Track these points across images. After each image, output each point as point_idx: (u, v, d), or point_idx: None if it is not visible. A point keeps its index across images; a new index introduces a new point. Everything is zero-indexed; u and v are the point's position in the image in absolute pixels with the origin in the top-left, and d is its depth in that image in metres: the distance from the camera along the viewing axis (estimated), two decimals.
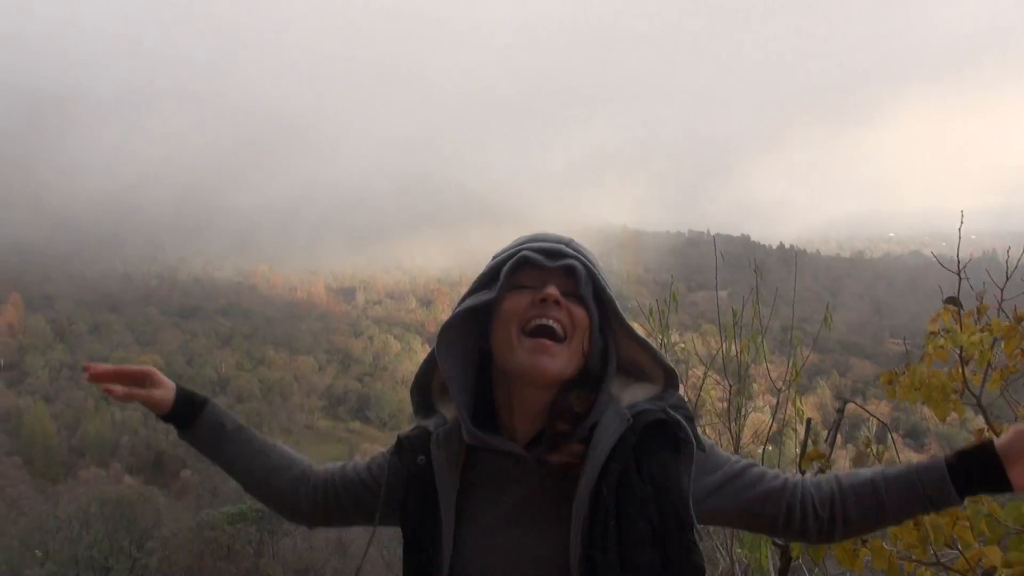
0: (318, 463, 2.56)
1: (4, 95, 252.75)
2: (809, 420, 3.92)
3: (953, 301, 3.06)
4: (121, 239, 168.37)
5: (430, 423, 2.18)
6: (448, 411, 2.17)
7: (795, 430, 4.50)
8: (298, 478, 2.50)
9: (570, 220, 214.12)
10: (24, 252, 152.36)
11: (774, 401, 4.81)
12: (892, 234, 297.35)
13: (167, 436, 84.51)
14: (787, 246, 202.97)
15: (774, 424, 4.58)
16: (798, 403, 4.41)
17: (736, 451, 4.55)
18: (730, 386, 4.83)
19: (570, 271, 2.08)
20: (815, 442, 4.05)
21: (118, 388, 2.32)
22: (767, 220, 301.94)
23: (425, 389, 2.27)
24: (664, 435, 2.02)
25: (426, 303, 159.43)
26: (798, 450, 3.77)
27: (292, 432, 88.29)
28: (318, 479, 2.48)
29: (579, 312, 2.07)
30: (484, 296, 2.11)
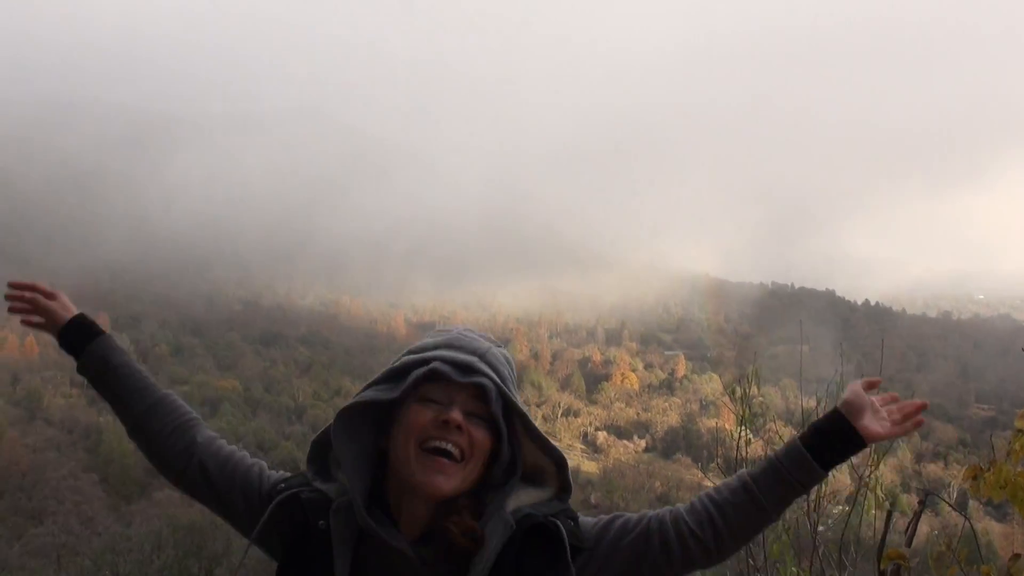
0: (212, 430, 2.51)
1: (112, 114, 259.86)
2: (890, 512, 3.79)
3: None
4: (211, 263, 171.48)
5: (330, 488, 2.16)
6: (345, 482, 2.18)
7: (875, 494, 4.36)
8: (181, 429, 2.46)
9: (655, 267, 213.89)
10: (115, 271, 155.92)
11: (869, 469, 4.67)
12: (981, 296, 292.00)
13: None
14: (872, 303, 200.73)
15: (859, 490, 4.44)
16: (879, 491, 4.28)
17: (816, 509, 4.43)
18: None
19: (480, 389, 2.10)
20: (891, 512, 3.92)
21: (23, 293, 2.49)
22: (853, 276, 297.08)
23: (324, 451, 2.25)
24: (546, 538, 2.05)
25: (504, 342, 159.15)
26: (877, 530, 3.66)
27: None
28: (207, 442, 2.44)
29: (480, 435, 2.09)
30: (387, 393, 2.13)
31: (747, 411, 4.64)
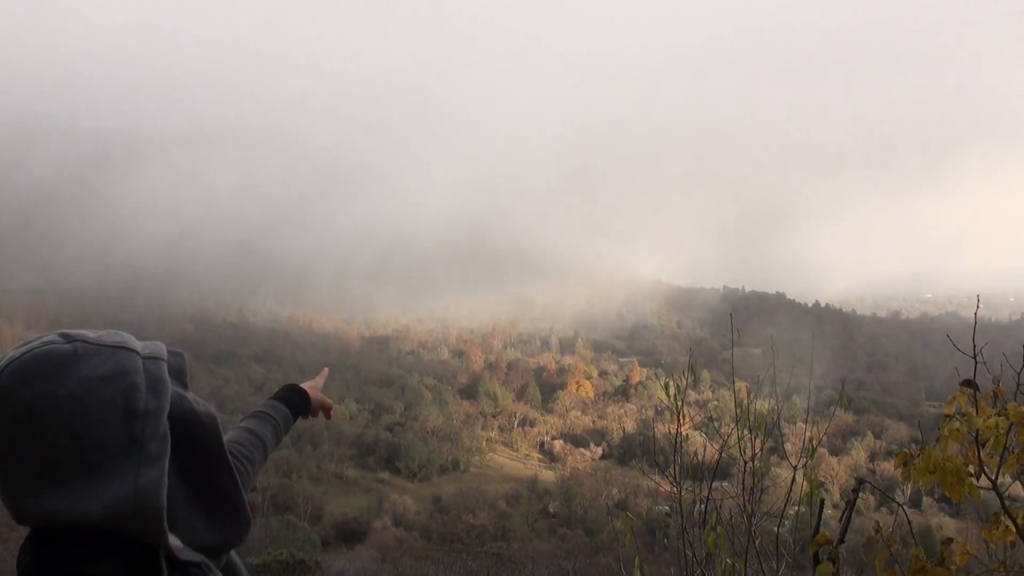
0: None
1: (70, 135, 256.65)
2: (822, 501, 3.90)
3: (969, 384, 3.08)
4: (169, 284, 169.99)
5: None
6: None
7: (824, 490, 4.46)
8: None
9: (611, 276, 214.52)
10: (65, 293, 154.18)
11: (806, 461, 4.77)
12: (930, 295, 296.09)
13: None
14: (823, 305, 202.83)
15: (801, 485, 4.55)
16: (813, 477, 4.39)
17: (752, 511, 4.53)
18: (753, 442, 4.80)
19: None
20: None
21: None
22: (805, 278, 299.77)
23: None
24: None
25: (458, 353, 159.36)
26: (814, 524, 3.76)
27: (321, 481, 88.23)
28: None
29: None
30: None
31: (680, 404, 4.71)
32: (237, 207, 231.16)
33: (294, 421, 2.84)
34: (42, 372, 1.63)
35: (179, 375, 1.85)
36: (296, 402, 2.86)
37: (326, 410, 3.00)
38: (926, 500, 78.80)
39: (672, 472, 4.78)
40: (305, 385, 2.94)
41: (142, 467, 1.64)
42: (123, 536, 1.62)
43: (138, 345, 1.79)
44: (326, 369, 3.14)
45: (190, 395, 1.84)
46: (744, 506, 4.44)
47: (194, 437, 1.78)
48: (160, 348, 1.83)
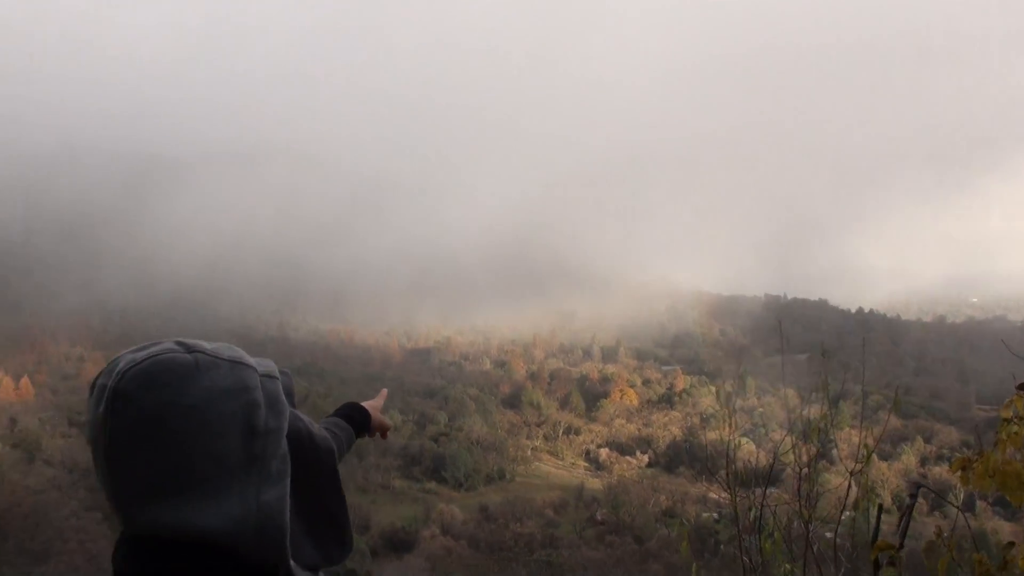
0: None
1: (112, 157, 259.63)
2: (880, 506, 3.84)
3: None
4: (211, 302, 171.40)
5: None
6: None
7: (876, 495, 4.39)
8: None
9: (654, 285, 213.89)
10: (109, 312, 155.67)
11: (857, 466, 4.70)
12: (975, 299, 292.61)
13: None
14: (866, 311, 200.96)
15: (855, 491, 4.48)
16: (867, 482, 4.32)
17: (809, 517, 4.47)
18: (806, 449, 4.74)
19: None
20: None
21: None
22: (847, 284, 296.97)
23: None
24: None
25: (500, 364, 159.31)
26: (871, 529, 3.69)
27: (368, 491, 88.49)
28: None
29: None
30: None
31: (732, 413, 4.69)
32: (278, 225, 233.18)
33: (356, 439, 2.85)
34: (165, 380, 1.60)
35: (289, 395, 1.84)
36: (359, 420, 2.88)
37: (383, 431, 3.02)
38: (980, 504, 77.79)
39: (724, 478, 4.74)
40: (366, 404, 2.96)
41: (263, 486, 1.62)
42: (237, 554, 1.60)
43: (253, 361, 1.75)
44: (385, 390, 3.18)
45: (305, 417, 1.88)
46: (801, 512, 4.39)
47: (309, 460, 1.81)
48: (273, 366, 1.81)
